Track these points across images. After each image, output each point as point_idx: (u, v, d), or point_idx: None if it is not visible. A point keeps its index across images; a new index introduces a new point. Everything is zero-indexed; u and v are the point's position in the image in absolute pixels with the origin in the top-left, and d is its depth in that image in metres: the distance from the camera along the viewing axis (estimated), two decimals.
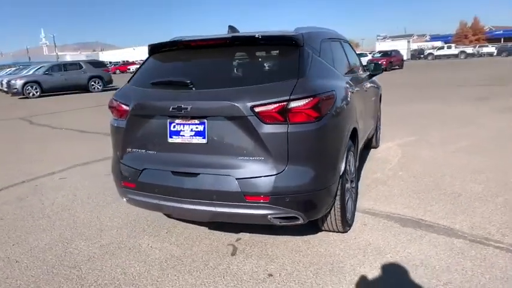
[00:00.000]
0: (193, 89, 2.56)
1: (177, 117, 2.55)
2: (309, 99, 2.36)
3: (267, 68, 2.66)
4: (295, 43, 2.61)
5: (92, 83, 20.63)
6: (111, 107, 2.97)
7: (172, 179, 2.59)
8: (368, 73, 4.74)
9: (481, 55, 48.19)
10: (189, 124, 2.54)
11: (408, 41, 60.18)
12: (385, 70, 24.04)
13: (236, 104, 2.36)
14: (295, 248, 2.89)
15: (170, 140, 2.60)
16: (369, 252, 2.76)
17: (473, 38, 70.27)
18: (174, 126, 2.59)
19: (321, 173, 2.48)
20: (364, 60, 32.05)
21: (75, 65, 20.67)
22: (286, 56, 2.61)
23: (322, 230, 3.07)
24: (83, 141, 7.54)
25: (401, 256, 2.68)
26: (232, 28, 3.34)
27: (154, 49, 3.03)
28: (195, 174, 2.52)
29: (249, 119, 2.35)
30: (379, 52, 35.79)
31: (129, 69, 54.22)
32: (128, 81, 3.04)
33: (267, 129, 2.35)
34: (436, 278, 2.40)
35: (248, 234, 3.13)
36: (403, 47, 48.35)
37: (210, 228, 3.27)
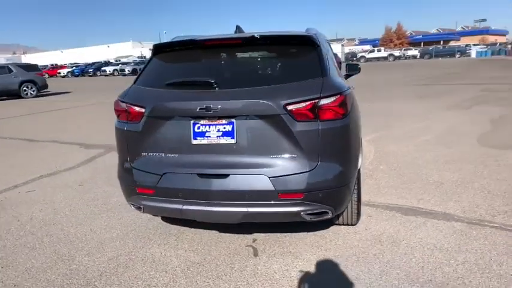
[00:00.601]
0: (217, 88, 2.51)
1: (202, 118, 2.48)
2: (336, 97, 2.44)
3: (289, 67, 2.69)
4: (312, 43, 2.67)
5: (25, 88, 18.85)
6: (118, 110, 2.79)
7: (199, 181, 2.51)
8: (345, 73, 4.97)
9: (406, 57, 52.52)
10: (215, 124, 2.48)
11: (342, 45, 63.74)
12: None
13: (270, 103, 2.36)
14: (314, 243, 2.95)
15: (194, 142, 2.52)
16: (384, 241, 2.91)
17: (397, 42, 76.22)
18: (199, 128, 2.51)
19: (347, 168, 2.57)
20: None
21: (3, 69, 18.71)
22: (306, 56, 2.66)
23: (334, 224, 3.16)
24: (36, 150, 6.89)
25: (415, 242, 2.87)
26: (238, 28, 3.31)
27: (159, 49, 2.91)
28: (225, 175, 2.47)
29: (282, 117, 2.37)
30: None
31: (59, 73, 50.51)
32: (134, 82, 2.87)
33: (300, 126, 2.38)
34: (453, 259, 2.61)
35: (262, 234, 3.13)
36: (337, 50, 51.07)
37: (220, 231, 3.21)
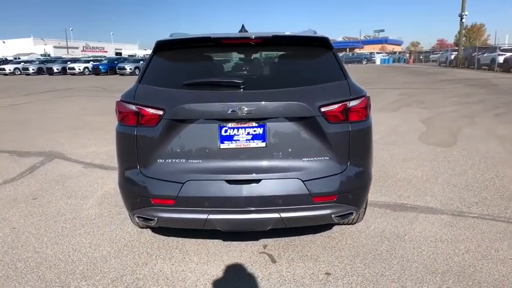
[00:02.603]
0: (242, 89, 2.38)
1: (230, 120, 2.33)
2: (362, 99, 2.50)
3: (311, 68, 2.65)
4: (328, 45, 2.69)
5: None
6: (123, 112, 2.48)
7: (228, 188, 2.35)
8: None
9: None
10: (244, 127, 2.35)
11: None
12: None
13: (305, 104, 2.31)
14: (326, 245, 2.97)
15: (222, 146, 2.35)
16: (389, 238, 3.06)
17: None
18: (226, 131, 2.35)
19: (370, 168, 2.64)
20: None
21: None
22: (324, 58, 2.66)
23: (335, 225, 3.21)
24: None
25: (417, 236, 3.07)
26: (243, 27, 3.17)
27: (165, 46, 2.67)
28: (257, 181, 2.35)
29: (317, 119, 2.35)
30: None
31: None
32: (139, 81, 2.58)
33: (332, 128, 2.38)
34: (457, 249, 2.85)
35: (270, 240, 3.05)
36: None
37: (224, 239, 3.04)
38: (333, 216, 2.46)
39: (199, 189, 2.36)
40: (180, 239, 3.08)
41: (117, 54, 67.79)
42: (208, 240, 3.04)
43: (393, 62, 52.33)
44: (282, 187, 2.35)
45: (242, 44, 2.63)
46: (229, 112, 2.28)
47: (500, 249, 2.84)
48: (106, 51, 76.26)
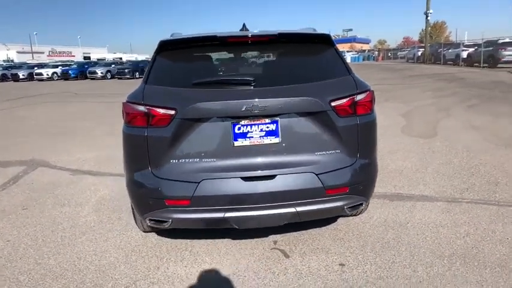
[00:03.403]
0: (253, 87, 2.40)
1: (243, 118, 2.34)
2: (367, 93, 2.57)
3: (316, 64, 2.69)
4: (331, 42, 2.75)
5: None
6: (131, 114, 2.43)
7: (244, 185, 2.36)
8: None
9: None
10: (258, 124, 2.36)
11: None
12: None
13: (317, 99, 2.35)
14: (333, 237, 3.03)
15: (236, 144, 2.36)
16: (393, 226, 3.16)
17: None
18: (239, 128, 2.36)
19: (376, 159, 2.72)
20: None
21: None
22: (328, 54, 2.71)
23: (345, 216, 3.27)
24: None
25: (418, 223, 3.18)
26: (244, 26, 3.17)
27: (170, 45, 2.65)
28: (272, 177, 2.37)
29: (328, 114, 2.39)
30: None
31: None
32: (146, 82, 2.53)
33: (342, 122, 2.44)
34: (458, 233, 2.99)
35: (278, 235, 3.07)
36: None
37: (233, 238, 3.04)
38: (345, 207, 2.52)
39: (215, 188, 2.35)
40: (188, 240, 3.05)
41: (85, 58, 65.82)
42: (216, 240, 3.03)
43: (363, 60, 53.70)
44: (296, 181, 2.38)
45: (247, 42, 2.64)
46: (244, 109, 2.28)
47: (497, 230, 3.00)
48: (74, 56, 73.88)
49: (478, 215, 3.28)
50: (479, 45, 22.77)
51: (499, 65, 20.28)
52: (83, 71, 33.17)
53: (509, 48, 20.00)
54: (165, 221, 2.46)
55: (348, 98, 2.45)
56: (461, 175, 4.30)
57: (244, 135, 2.36)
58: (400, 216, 3.33)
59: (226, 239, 3.04)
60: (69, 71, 33.10)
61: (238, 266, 2.67)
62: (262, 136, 2.37)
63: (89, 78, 31.71)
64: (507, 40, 21.22)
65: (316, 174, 2.40)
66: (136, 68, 33.02)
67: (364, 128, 2.54)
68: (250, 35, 2.60)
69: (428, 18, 31.63)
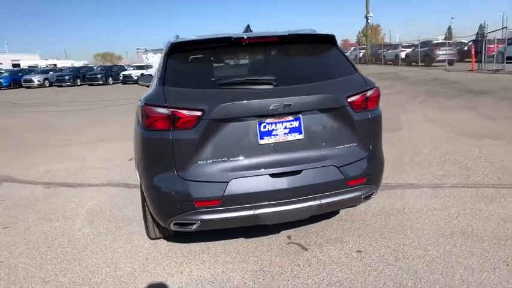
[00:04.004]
0: (274, 86, 2.47)
1: (268, 116, 2.40)
2: (374, 89, 2.76)
3: (326, 63, 2.82)
4: (335, 42, 2.91)
5: None
6: (152, 117, 2.38)
7: (272, 182, 2.42)
8: None
9: None
10: (282, 122, 2.44)
11: None
12: None
13: (337, 96, 2.48)
14: (342, 227, 3.19)
15: (261, 142, 2.41)
16: (392, 213, 3.39)
17: None
18: (265, 127, 2.42)
19: (382, 151, 2.91)
20: (152, 71, 32.27)
21: None
22: (333, 53, 2.85)
23: (351, 207, 3.42)
24: None
25: (414, 208, 3.45)
26: (248, 27, 3.21)
27: (183, 47, 2.64)
28: (298, 172, 2.46)
29: (346, 109, 2.54)
30: None
31: None
32: (162, 84, 2.49)
33: (358, 116, 2.60)
34: (450, 213, 3.29)
35: (290, 230, 3.16)
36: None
37: (245, 237, 3.08)
38: (362, 197, 2.67)
39: (244, 186, 2.38)
40: (202, 243, 3.03)
41: (14, 66, 60.62)
42: (231, 241, 3.04)
43: None
44: (320, 175, 2.49)
45: (260, 43, 2.70)
46: (271, 108, 2.35)
47: (482, 209, 3.35)
48: (1, 63, 67.80)
49: (462, 196, 3.64)
50: (416, 46, 24.75)
51: (434, 64, 22.20)
52: (17, 79, 30.70)
53: (442, 48, 22.05)
54: (193, 224, 2.44)
55: (361, 94, 2.62)
56: (435, 163, 4.71)
57: (269, 133, 2.42)
58: (396, 203, 3.59)
59: (240, 239, 3.07)
60: (1, 80, 30.41)
61: (262, 263, 2.72)
62: (286, 133, 2.45)
63: (24, 86, 29.41)
64: (440, 41, 23.34)
65: (338, 167, 2.53)
66: (77, 74, 31.31)
67: (374, 121, 2.72)
68: (262, 35, 2.66)
69: (369, 21, 33.69)
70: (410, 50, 25.70)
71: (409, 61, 25.31)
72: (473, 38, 22.52)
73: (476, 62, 17.90)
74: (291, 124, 2.46)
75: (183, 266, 2.74)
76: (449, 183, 4.01)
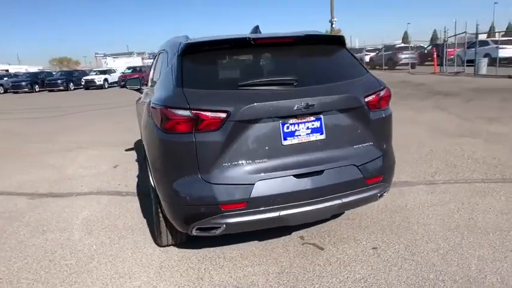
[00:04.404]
0: (295, 86, 2.48)
1: (291, 117, 2.41)
2: (386, 89, 2.85)
3: (341, 64, 2.85)
4: (344, 43, 2.97)
5: None
6: (173, 120, 2.31)
7: (296, 182, 2.42)
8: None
9: None
10: (304, 122, 2.45)
11: (142, 58, 63.55)
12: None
13: (357, 96, 2.53)
14: (352, 225, 3.25)
15: (285, 143, 2.41)
16: (395, 210, 3.50)
17: None
18: (288, 127, 2.42)
19: (393, 149, 3.00)
20: (115, 76, 31.26)
21: None
22: (344, 54, 2.91)
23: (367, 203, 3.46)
24: None
25: (415, 204, 3.58)
26: (257, 28, 3.19)
27: (198, 47, 2.59)
28: (320, 172, 2.48)
29: (364, 109, 2.59)
30: (129, 68, 35.75)
31: None
32: (181, 85, 2.42)
33: (373, 115, 2.67)
34: (450, 208, 3.44)
35: (301, 231, 3.18)
36: (138, 64, 49.98)
37: (259, 240, 3.06)
38: (378, 195, 2.74)
39: (270, 188, 2.36)
40: (216, 248, 2.97)
41: None
42: (245, 244, 3.01)
43: None
44: (341, 174, 2.53)
45: (275, 43, 2.71)
46: (295, 108, 2.35)
47: (479, 203, 3.53)
48: None
49: (457, 192, 3.82)
50: (379, 50, 25.74)
51: (397, 67, 23.20)
52: None
53: (405, 51, 23.11)
54: (217, 228, 2.39)
55: (376, 94, 2.69)
56: (423, 161, 4.91)
57: (292, 134, 2.43)
58: (397, 200, 3.70)
59: (253, 241, 3.04)
60: None
61: (282, 265, 2.71)
62: (308, 134, 2.46)
63: None
64: (402, 45, 24.43)
65: (357, 166, 2.58)
66: (35, 80, 29.84)
67: (387, 120, 2.80)
68: (279, 36, 2.67)
69: (333, 25, 34.57)
70: (374, 53, 26.72)
71: (373, 64, 26.29)
72: (429, 42, 23.75)
73: (438, 65, 18.92)
74: (312, 124, 2.47)
75: (201, 272, 2.68)
76: (442, 180, 4.19)
